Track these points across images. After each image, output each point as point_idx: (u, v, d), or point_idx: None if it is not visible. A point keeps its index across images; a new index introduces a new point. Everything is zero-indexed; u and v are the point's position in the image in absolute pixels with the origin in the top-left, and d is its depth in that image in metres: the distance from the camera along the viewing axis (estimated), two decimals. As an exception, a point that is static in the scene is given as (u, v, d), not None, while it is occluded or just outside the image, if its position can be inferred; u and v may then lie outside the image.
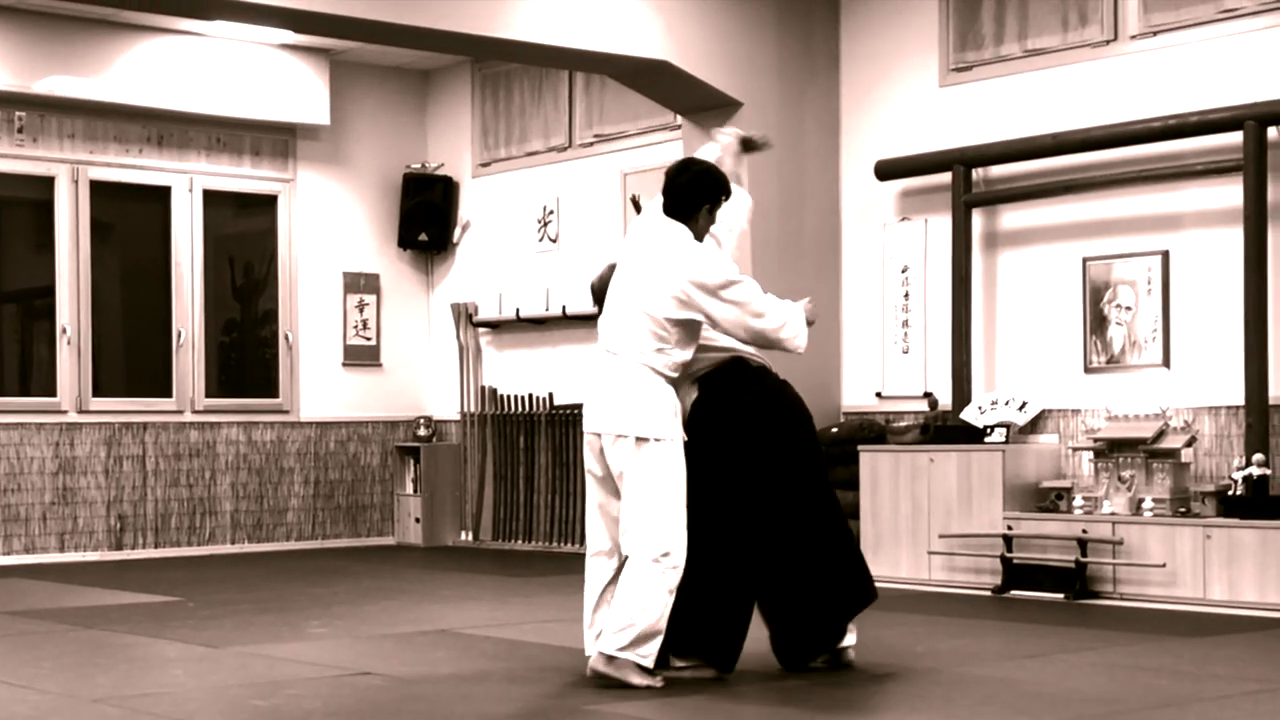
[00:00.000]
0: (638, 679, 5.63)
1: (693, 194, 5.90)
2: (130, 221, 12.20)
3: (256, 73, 12.06)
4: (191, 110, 11.90)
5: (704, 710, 5.36)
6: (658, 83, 9.90)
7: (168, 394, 12.02)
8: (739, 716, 5.26)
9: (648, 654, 5.64)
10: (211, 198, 12.26)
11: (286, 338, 12.56)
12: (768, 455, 5.84)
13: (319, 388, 12.69)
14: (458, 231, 13.00)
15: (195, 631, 7.39)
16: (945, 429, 9.30)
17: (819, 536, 5.89)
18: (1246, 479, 8.04)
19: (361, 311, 12.92)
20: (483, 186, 12.85)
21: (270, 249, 12.59)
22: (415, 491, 12.83)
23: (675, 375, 5.78)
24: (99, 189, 11.81)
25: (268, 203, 12.56)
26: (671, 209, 5.91)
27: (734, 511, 5.81)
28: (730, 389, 5.91)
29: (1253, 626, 7.36)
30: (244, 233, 12.62)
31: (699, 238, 5.88)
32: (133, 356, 12.20)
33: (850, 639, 5.98)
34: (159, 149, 12.01)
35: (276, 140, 12.52)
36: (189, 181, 12.13)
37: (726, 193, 6.00)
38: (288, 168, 12.60)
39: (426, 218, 12.93)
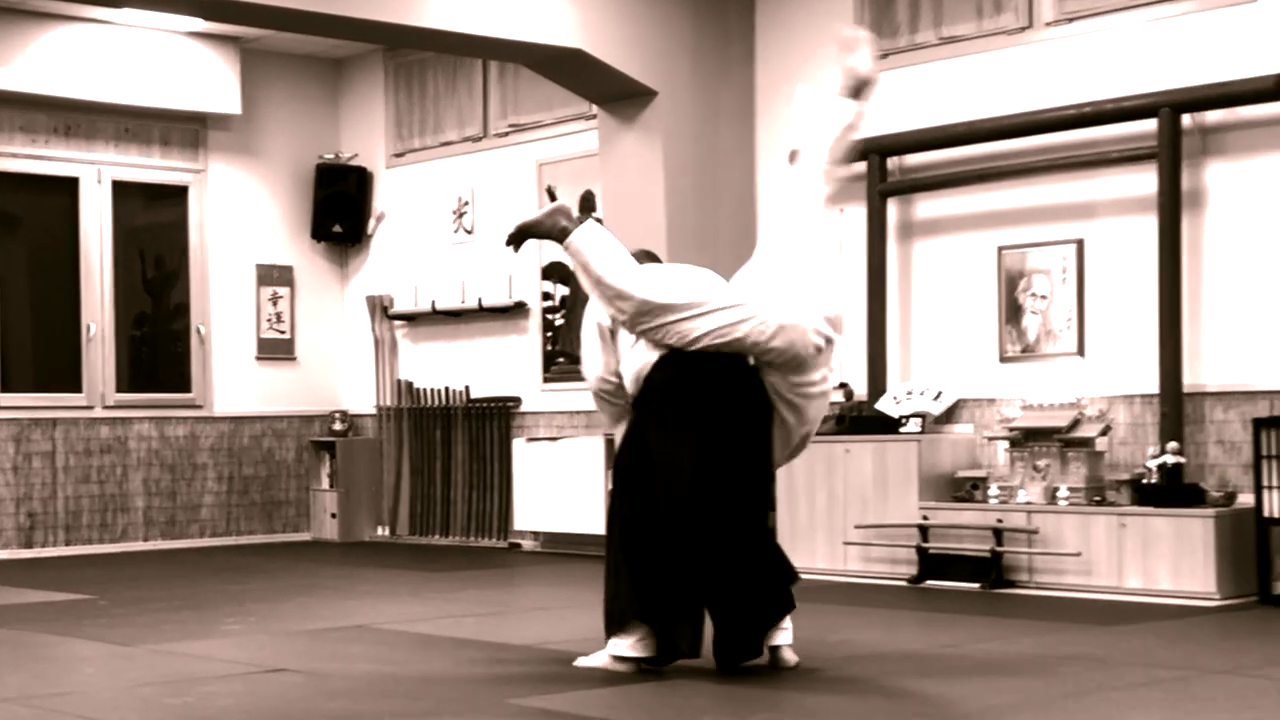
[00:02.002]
0: None
1: None
2: (37, 213, 12.02)
3: (165, 61, 11.92)
4: (99, 100, 11.74)
5: (625, 698, 5.32)
6: (572, 71, 9.85)
7: (78, 389, 11.86)
8: (656, 708, 5.22)
9: None
10: (121, 189, 12.11)
11: (199, 331, 12.42)
12: (740, 436, 5.80)
13: (232, 382, 12.56)
14: (372, 223, 12.91)
15: (108, 629, 7.30)
16: (861, 419, 9.32)
17: (758, 529, 5.87)
18: (1161, 467, 8.08)
19: (275, 304, 12.81)
20: (397, 177, 12.76)
21: (181, 241, 12.44)
22: (331, 486, 12.73)
23: None
24: (5, 180, 11.64)
25: (178, 194, 12.42)
26: None
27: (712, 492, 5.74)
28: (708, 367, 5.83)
29: (1167, 614, 7.41)
30: (154, 224, 12.47)
31: None
32: (41, 351, 12.02)
33: (786, 637, 5.92)
34: (66, 139, 11.84)
35: (186, 130, 12.38)
36: (97, 173, 11.98)
37: None
38: (198, 158, 12.46)
39: (340, 209, 12.83)
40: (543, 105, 11.55)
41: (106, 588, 9.17)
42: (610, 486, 6.06)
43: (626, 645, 5.77)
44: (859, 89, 5.96)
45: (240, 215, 12.66)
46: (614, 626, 5.82)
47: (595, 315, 5.99)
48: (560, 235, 5.79)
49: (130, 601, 8.46)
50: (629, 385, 5.91)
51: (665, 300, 5.67)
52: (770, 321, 5.65)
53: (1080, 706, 5.14)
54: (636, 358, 5.86)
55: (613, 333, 5.95)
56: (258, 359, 12.72)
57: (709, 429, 5.73)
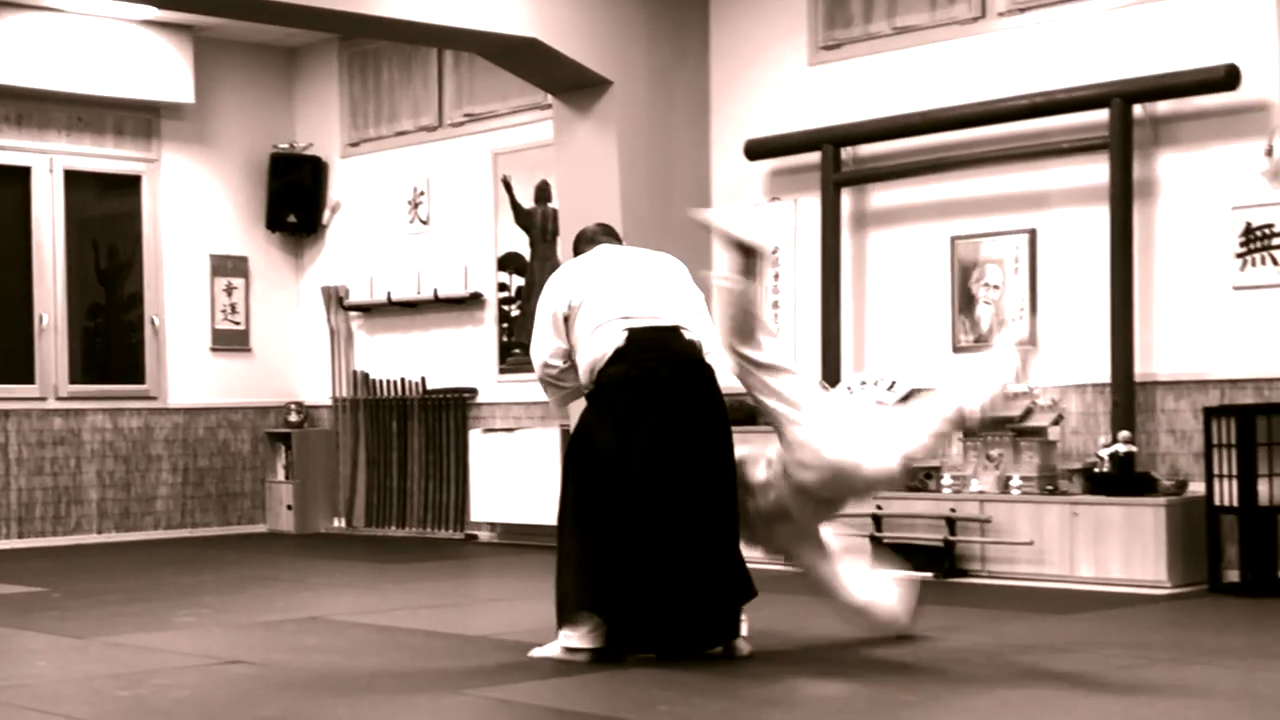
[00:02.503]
0: None
1: None
2: (-11, 203, 11.96)
3: (118, 50, 11.84)
4: (51, 88, 11.65)
5: (580, 689, 5.33)
6: (527, 61, 9.84)
7: (30, 380, 11.79)
8: (610, 699, 5.23)
9: None
10: (73, 178, 12.04)
11: (153, 322, 12.36)
12: (696, 430, 5.85)
13: (187, 373, 12.51)
14: (327, 213, 12.87)
15: (60, 622, 7.27)
16: (817, 408, 9.31)
17: (722, 520, 5.88)
18: (1112, 456, 8.13)
19: (230, 295, 12.75)
20: (352, 167, 12.72)
21: (135, 231, 12.38)
22: (287, 478, 12.69)
23: None
24: (-44, 171, 11.58)
25: (131, 183, 12.35)
26: None
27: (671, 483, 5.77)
28: (661, 361, 5.89)
29: (1118, 602, 7.45)
30: (107, 214, 12.40)
31: None
32: (-7, 342, 11.95)
33: (741, 627, 5.94)
34: (18, 128, 11.76)
35: (139, 119, 12.31)
36: (49, 162, 11.90)
37: None
38: (151, 147, 12.39)
39: (295, 199, 12.78)
40: (498, 95, 11.53)
41: (59, 580, 9.12)
42: (561, 477, 6.07)
43: (577, 636, 5.78)
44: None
45: (194, 205, 12.60)
46: (565, 617, 5.82)
47: (553, 304, 6.01)
48: (749, 269, 5.95)
49: (83, 594, 8.43)
50: (583, 375, 5.93)
51: (765, 360, 6.06)
52: (815, 443, 5.90)
53: (1031, 693, 5.17)
54: (592, 349, 5.87)
55: (566, 319, 5.97)
56: (212, 350, 12.66)
57: (658, 426, 5.76)
